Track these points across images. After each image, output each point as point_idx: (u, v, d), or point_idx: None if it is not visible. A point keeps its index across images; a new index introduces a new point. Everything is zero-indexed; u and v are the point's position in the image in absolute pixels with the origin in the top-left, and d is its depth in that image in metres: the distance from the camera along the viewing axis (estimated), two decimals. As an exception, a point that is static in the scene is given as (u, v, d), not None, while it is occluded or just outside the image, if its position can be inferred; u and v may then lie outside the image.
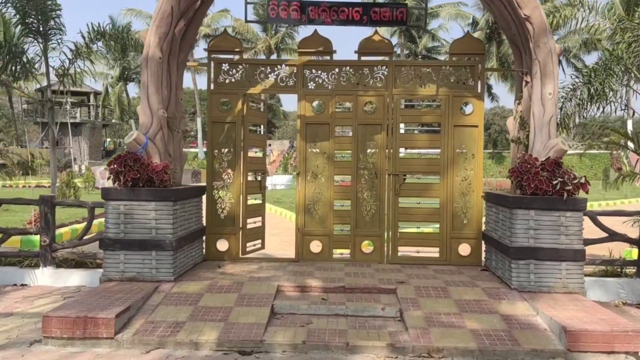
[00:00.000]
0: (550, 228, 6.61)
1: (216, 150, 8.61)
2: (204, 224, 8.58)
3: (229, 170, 8.60)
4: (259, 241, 9.14)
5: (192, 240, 7.78)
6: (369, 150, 8.54)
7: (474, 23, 53.22)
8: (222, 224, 8.61)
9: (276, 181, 35.20)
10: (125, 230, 6.93)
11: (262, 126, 9.23)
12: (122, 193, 6.90)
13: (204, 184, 8.76)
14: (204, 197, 8.57)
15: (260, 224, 9.16)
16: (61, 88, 13.74)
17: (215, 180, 8.61)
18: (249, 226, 8.81)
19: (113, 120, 63.25)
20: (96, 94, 59.30)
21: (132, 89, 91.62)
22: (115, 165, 6.94)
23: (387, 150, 8.53)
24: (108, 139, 66.64)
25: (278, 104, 71.47)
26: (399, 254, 8.55)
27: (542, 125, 6.97)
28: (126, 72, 61.27)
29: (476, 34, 45.45)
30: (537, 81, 7.09)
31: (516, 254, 6.69)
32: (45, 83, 14.81)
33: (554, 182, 6.55)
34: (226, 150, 8.59)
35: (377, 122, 8.53)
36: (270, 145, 59.00)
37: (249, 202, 8.79)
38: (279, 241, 12.58)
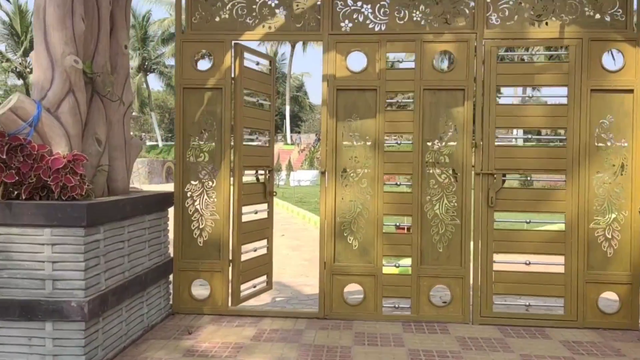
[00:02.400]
0: None
1: (191, 135, 5.27)
2: (171, 255, 5.27)
3: (211, 167, 5.25)
4: (263, 278, 5.76)
5: (139, 289, 4.46)
6: (442, 134, 5.08)
7: None
8: (201, 255, 5.27)
9: (301, 177, 31.77)
10: (-7, 283, 3.64)
11: (266, 98, 5.85)
12: (-14, 212, 3.60)
13: (172, 188, 5.43)
14: (172, 210, 5.26)
15: (265, 250, 5.80)
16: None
17: (190, 184, 5.27)
18: (245, 257, 5.46)
19: (133, 113, 60.77)
20: (115, 85, 56.83)
21: (154, 82, 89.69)
22: (-26, 159, 3.64)
23: (473, 135, 5.08)
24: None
25: (304, 96, 68.13)
26: (495, 307, 5.08)
27: None
28: (146, 63, 58.74)
29: None
30: None
31: None
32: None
33: None
34: (207, 134, 5.25)
35: (456, 85, 5.07)
36: (298, 135, 55.58)
37: (246, 217, 5.41)
38: (299, 259, 9.20)
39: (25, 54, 51.55)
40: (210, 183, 5.25)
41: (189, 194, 5.27)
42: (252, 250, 5.61)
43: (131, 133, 4.90)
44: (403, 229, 5.23)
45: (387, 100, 5.19)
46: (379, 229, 5.13)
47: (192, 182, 5.26)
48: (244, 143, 5.36)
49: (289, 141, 51.47)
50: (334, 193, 5.18)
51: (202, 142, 5.26)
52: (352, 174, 5.18)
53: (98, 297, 3.75)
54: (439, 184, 5.09)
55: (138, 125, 66.51)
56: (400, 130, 5.20)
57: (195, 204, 5.26)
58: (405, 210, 5.17)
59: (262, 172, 5.74)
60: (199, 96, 5.26)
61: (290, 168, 31.50)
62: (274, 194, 5.91)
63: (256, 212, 5.65)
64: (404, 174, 5.19)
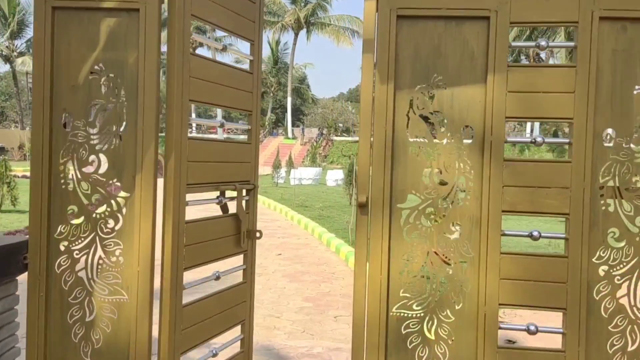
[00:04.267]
0: None
1: (69, 115, 2.36)
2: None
3: (114, 188, 2.35)
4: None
5: None
6: (641, 123, 2.19)
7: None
8: (89, 380, 2.38)
9: (302, 175, 28.78)
10: None
11: (248, 45, 2.93)
12: None
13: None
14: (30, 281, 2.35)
15: (238, 349, 2.90)
16: None
17: (66, 224, 2.37)
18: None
19: None
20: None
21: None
22: None
23: None
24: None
25: (307, 88, 65.21)
26: None
27: None
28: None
29: None
30: None
31: None
32: None
33: None
34: (104, 113, 2.35)
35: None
36: (301, 126, 52.43)
37: (194, 292, 2.50)
38: (299, 298, 6.33)
39: (13, 36, 48.40)
40: (111, 222, 2.34)
41: (62, 245, 2.37)
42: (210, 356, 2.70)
43: None
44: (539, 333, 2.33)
45: (512, 45, 2.29)
46: (490, 340, 2.23)
47: (72, 221, 2.36)
48: (191, 135, 2.46)
49: (290, 135, 48.53)
50: (385, 250, 2.27)
51: (94, 132, 2.36)
52: (427, 209, 2.27)
53: None
54: (630, 238, 2.20)
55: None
56: (541, 112, 2.28)
57: (77, 267, 2.37)
58: (549, 298, 2.25)
59: (234, 192, 2.84)
60: (86, 28, 2.36)
61: (291, 164, 28.62)
62: (258, 236, 3.01)
63: (218, 278, 2.75)
64: (550, 214, 2.26)
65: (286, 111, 51.68)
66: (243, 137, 3.00)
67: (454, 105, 2.27)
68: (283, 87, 53.75)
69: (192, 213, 2.46)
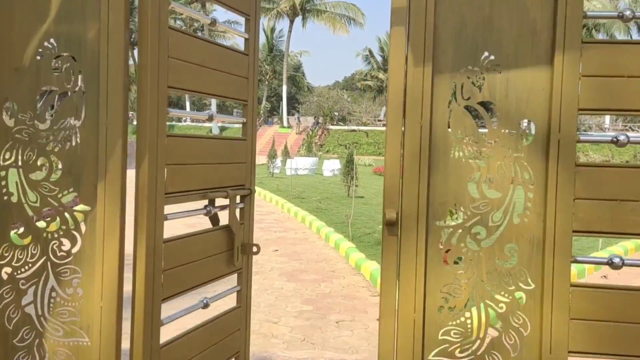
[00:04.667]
0: None
1: (15, 106, 1.83)
2: None
3: (70, 199, 1.82)
4: None
5: None
6: None
7: None
8: None
9: (298, 164, 28.23)
10: None
11: (244, 21, 2.40)
12: None
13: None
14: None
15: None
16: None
17: (8, 244, 1.84)
18: None
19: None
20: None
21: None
22: None
23: None
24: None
25: (302, 76, 64.47)
26: None
27: None
28: (133, 36, 54.90)
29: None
30: None
31: None
32: None
33: None
34: (56, 104, 1.82)
35: None
36: (297, 114, 51.57)
37: (174, 328, 1.99)
38: (299, 300, 5.87)
39: None
40: (67, 243, 1.82)
41: (4, 272, 1.84)
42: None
43: None
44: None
45: (588, 15, 1.76)
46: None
47: (17, 241, 1.84)
48: (170, 134, 1.93)
49: (285, 124, 47.87)
50: (421, 280, 1.76)
51: (44, 129, 1.82)
52: (474, 227, 1.76)
53: None
54: None
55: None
56: (624, 102, 1.76)
57: (24, 301, 1.85)
58: (635, 344, 1.74)
59: (226, 199, 2.31)
60: (32, -8, 1.82)
61: (286, 154, 28.08)
62: (255, 250, 2.49)
63: (206, 305, 2.23)
64: (636, 235, 1.75)
65: (281, 99, 50.99)
66: (238, 126, 2.50)
67: (510, 93, 1.75)
68: (278, 75, 53.00)
69: (173, 227, 1.95)
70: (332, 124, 46.35)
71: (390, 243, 1.77)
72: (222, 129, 39.49)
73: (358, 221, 10.73)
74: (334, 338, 4.79)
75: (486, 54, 1.76)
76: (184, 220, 2.05)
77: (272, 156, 24.07)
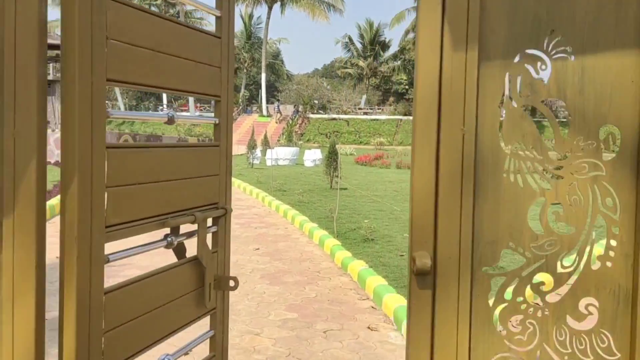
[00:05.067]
0: None
1: None
2: None
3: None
4: None
5: None
6: None
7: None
8: None
9: (279, 154, 27.70)
10: None
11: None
12: None
13: None
14: None
15: None
16: None
17: None
18: None
19: (93, 79, 55.67)
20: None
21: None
22: None
23: None
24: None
25: (281, 64, 63.66)
26: None
27: None
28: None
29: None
30: None
31: None
32: None
33: None
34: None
35: None
36: (277, 102, 50.70)
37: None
38: (282, 305, 5.49)
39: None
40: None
41: None
42: None
43: None
44: None
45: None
46: None
47: None
48: (111, 145, 1.39)
49: (264, 112, 47.11)
50: (464, 347, 1.25)
51: None
52: (537, 275, 1.26)
53: None
54: None
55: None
56: None
57: None
58: None
59: (194, 224, 1.78)
60: None
61: (266, 144, 27.50)
62: (233, 285, 1.96)
63: (168, 367, 1.70)
64: None
65: (260, 88, 50.18)
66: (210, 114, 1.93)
67: (586, 88, 1.25)
68: (257, 63, 52.13)
69: (123, 267, 1.41)
70: (312, 113, 45.82)
71: (421, 298, 1.26)
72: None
73: (342, 215, 10.30)
74: (322, 351, 4.38)
75: (552, 34, 1.25)
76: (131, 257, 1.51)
77: (251, 146, 23.44)
